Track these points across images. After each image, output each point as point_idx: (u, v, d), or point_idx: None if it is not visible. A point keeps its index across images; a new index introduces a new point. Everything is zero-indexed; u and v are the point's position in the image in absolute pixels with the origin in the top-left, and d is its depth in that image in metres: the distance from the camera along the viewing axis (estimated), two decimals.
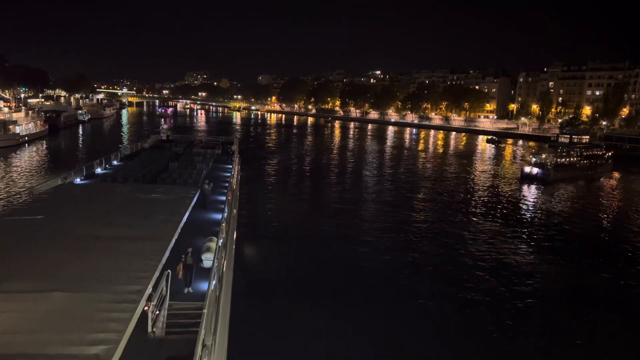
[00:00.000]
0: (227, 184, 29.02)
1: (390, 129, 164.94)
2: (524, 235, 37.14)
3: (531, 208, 47.54)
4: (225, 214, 20.81)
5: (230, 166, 36.59)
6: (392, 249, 32.21)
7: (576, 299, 25.96)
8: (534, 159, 67.05)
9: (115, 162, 35.33)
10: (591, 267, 30.95)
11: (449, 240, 34.62)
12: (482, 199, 50.33)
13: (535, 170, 63.27)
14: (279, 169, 65.28)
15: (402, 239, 34.63)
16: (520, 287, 26.67)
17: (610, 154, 79.20)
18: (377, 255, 30.79)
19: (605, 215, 46.65)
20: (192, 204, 18.95)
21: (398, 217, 40.98)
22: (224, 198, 24.82)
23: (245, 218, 36.52)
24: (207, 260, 15.86)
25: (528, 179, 62.88)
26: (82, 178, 28.29)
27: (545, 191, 57.05)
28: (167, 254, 12.91)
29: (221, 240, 17.09)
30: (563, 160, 67.57)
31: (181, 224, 15.70)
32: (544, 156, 67.24)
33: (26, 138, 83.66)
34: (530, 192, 56.77)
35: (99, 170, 31.49)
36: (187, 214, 17.32)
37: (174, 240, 14.00)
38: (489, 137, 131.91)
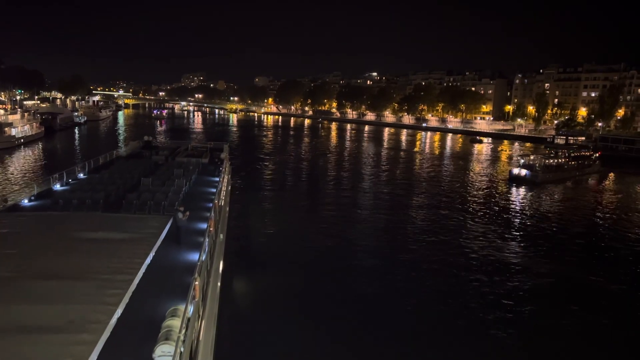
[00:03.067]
0: (211, 204, 22.86)
1: (387, 131, 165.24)
2: (513, 236, 37.33)
3: (520, 210, 47.37)
4: (204, 255, 15.30)
5: (218, 179, 30.76)
6: (391, 256, 32.21)
7: (565, 296, 26.09)
8: (522, 161, 67.01)
9: (81, 175, 29.66)
10: (579, 265, 31.18)
11: (443, 245, 34.67)
12: (471, 201, 50.10)
13: (523, 171, 63.19)
14: (274, 175, 63.47)
15: (401, 244, 34.88)
16: (509, 285, 26.81)
17: (597, 154, 79.49)
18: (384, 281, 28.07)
19: (592, 215, 46.81)
20: (159, 243, 14.57)
21: (395, 223, 41.20)
22: (204, 226, 19.26)
23: (236, 243, 30.97)
24: (165, 356, 10.15)
25: (516, 180, 62.75)
26: (33, 198, 23.17)
27: (534, 193, 57.05)
28: (96, 350, 8.19)
29: (192, 307, 11.31)
30: (551, 161, 67.74)
31: (133, 286, 11.03)
32: (532, 157, 67.48)
33: (22, 140, 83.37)
34: (519, 194, 56.61)
35: (57, 187, 25.89)
36: (149, 261, 12.86)
37: (113, 322, 9.25)
38: (472, 137, 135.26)
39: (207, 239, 16.69)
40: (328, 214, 42.90)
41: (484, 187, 59.54)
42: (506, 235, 37.27)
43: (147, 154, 40.39)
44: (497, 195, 54.23)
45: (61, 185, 26.35)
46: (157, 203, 21.90)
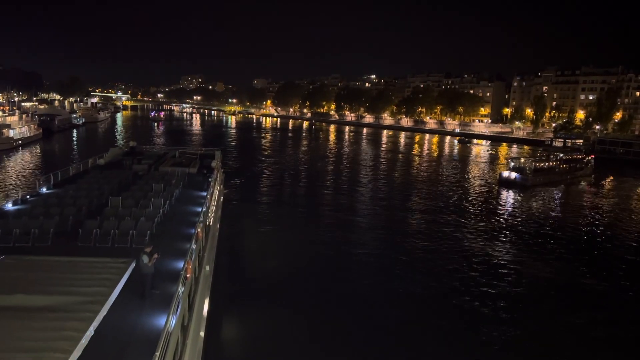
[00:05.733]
0: (193, 230, 18.08)
1: (385, 133, 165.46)
2: (503, 239, 37.52)
3: (508, 213, 46.97)
4: (173, 321, 10.90)
5: (205, 193, 25.53)
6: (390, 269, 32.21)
7: (556, 296, 26.32)
8: (512, 164, 66.03)
9: (43, 190, 24.72)
10: (570, 265, 31.61)
11: (436, 248, 34.85)
12: (461, 204, 49.70)
13: (513, 175, 62.42)
14: (271, 183, 59.05)
15: (397, 245, 35.01)
16: (498, 286, 27.01)
17: (590, 158, 79.18)
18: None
19: (581, 218, 46.96)
20: (109, 303, 10.91)
21: (393, 231, 41.46)
22: (181, 265, 14.74)
23: (226, 271, 26.49)
24: None
25: (507, 183, 61.88)
26: None
27: (524, 196, 56.37)
28: None
29: None
30: (542, 164, 67.10)
31: None
32: (522, 160, 66.83)
33: (20, 142, 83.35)
34: (508, 198, 56.07)
35: (8, 207, 20.99)
36: (87, 338, 9.26)
37: None
38: (460, 137, 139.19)
39: (181, 290, 12.41)
40: (326, 229, 38.97)
41: (475, 190, 59.11)
42: (494, 239, 37.34)
43: (128, 162, 35.13)
44: (486, 199, 53.52)
45: (14, 205, 21.36)
46: (124, 233, 17.26)
